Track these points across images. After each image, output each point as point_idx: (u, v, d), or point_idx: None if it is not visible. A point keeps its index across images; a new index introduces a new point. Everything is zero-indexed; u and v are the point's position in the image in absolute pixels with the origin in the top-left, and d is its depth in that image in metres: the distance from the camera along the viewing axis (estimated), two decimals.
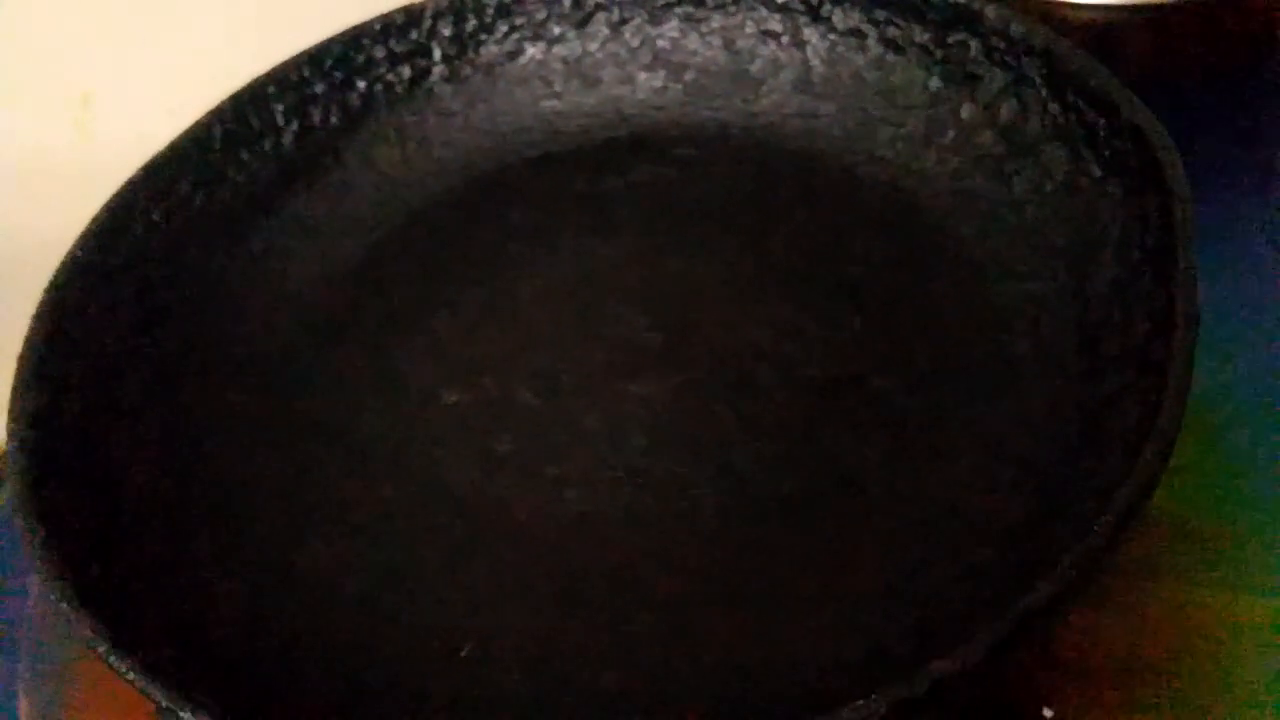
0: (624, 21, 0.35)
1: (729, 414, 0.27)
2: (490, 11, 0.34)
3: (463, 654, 0.23)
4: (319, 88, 0.33)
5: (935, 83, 0.31)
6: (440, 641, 0.23)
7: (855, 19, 0.32)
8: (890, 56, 0.32)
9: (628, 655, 0.23)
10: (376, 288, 0.32)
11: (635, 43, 0.35)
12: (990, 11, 0.30)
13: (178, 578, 0.24)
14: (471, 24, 0.34)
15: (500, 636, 0.23)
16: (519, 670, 0.23)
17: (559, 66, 0.35)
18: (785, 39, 0.33)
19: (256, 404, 0.29)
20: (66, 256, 0.27)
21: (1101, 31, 0.39)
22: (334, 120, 0.33)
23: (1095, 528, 0.18)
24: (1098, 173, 0.27)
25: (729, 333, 0.29)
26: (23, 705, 0.28)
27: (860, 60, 0.32)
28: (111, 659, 0.19)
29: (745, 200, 0.33)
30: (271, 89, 0.32)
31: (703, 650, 0.23)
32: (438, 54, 0.34)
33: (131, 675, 0.19)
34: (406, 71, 0.34)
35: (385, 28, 0.34)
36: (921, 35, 0.31)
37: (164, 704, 0.18)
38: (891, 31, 0.32)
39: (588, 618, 0.24)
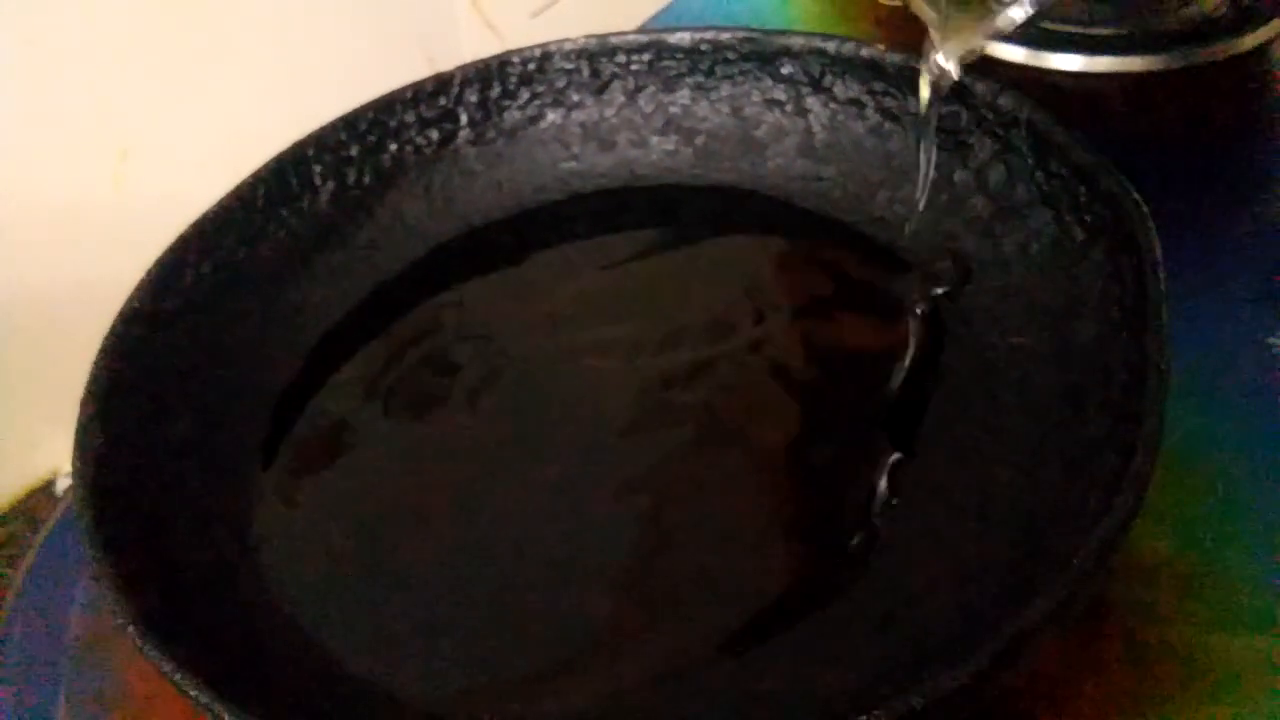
0: (639, 89, 0.37)
1: (740, 462, 0.29)
2: (514, 79, 0.37)
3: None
4: (354, 150, 0.35)
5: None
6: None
7: (855, 90, 0.35)
8: (888, 125, 0.34)
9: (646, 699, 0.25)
10: (402, 336, 0.34)
11: (649, 109, 0.37)
12: (980, 85, 0.32)
13: (225, 606, 0.26)
14: (496, 90, 0.37)
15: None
16: None
17: (577, 130, 0.37)
18: (789, 107, 0.36)
19: (294, 440, 0.31)
20: (125, 306, 0.29)
21: (1087, 97, 0.41)
22: (367, 180, 0.36)
23: (1075, 561, 0.20)
24: (1080, 236, 0.29)
25: (737, 381, 0.31)
26: None
27: (860, 128, 0.35)
28: (178, 678, 0.21)
29: (751, 258, 0.35)
30: (311, 151, 0.35)
31: (716, 676, 0.24)
32: (464, 118, 0.37)
33: (199, 695, 0.20)
34: (435, 134, 0.36)
35: (416, 94, 0.36)
36: (917, 106, 0.33)
37: None
38: (889, 102, 0.34)
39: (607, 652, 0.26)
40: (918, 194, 0.30)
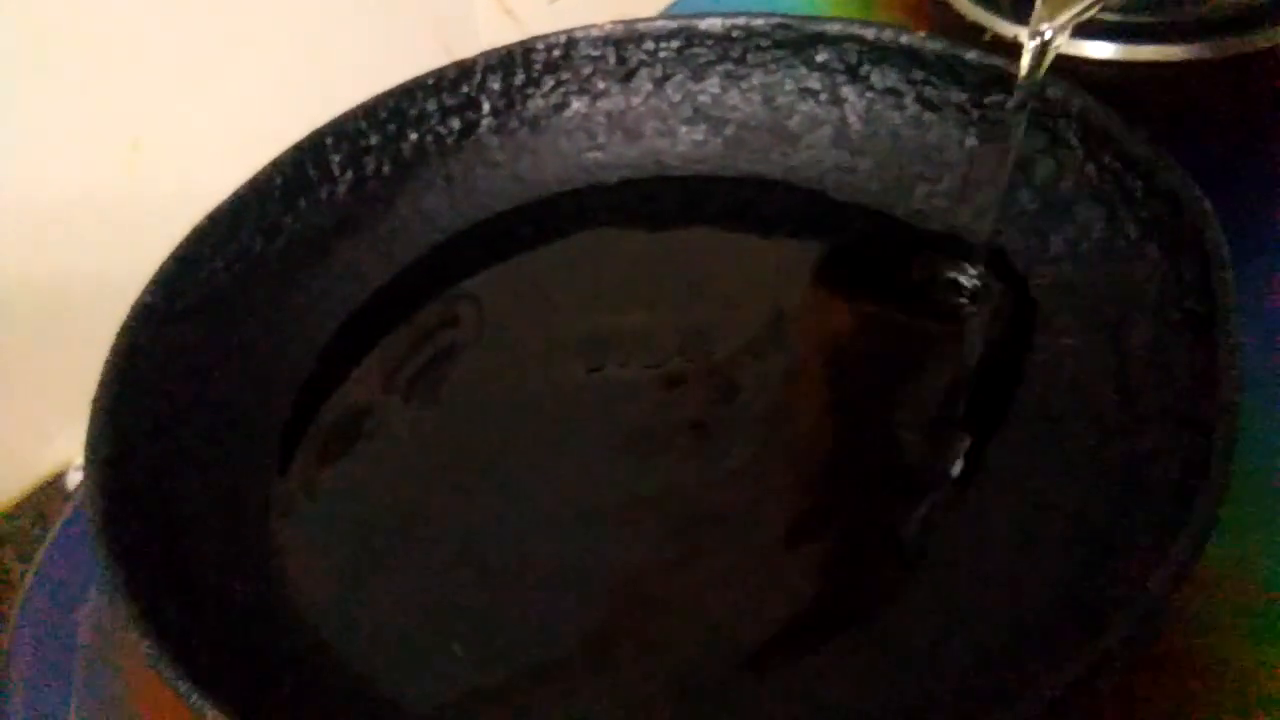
0: (666, 77, 0.36)
1: (770, 466, 0.28)
2: (538, 67, 0.36)
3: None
4: (373, 139, 0.34)
5: (971, 141, 0.32)
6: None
7: (893, 78, 0.33)
8: (927, 115, 0.33)
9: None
10: (420, 328, 0.33)
11: (677, 98, 0.36)
12: None
13: (241, 612, 0.25)
14: (520, 78, 0.36)
15: None
16: None
17: (603, 120, 0.36)
18: (824, 96, 0.34)
19: (312, 435, 0.30)
20: (137, 302, 0.28)
21: (1121, 86, 0.40)
22: (386, 170, 0.34)
23: (1150, 583, 0.19)
24: (1134, 233, 0.27)
25: (770, 381, 0.30)
26: None
27: (897, 118, 0.33)
28: (192, 697, 0.20)
29: (781, 252, 0.34)
30: (329, 140, 0.33)
31: (741, 693, 0.23)
32: (486, 107, 0.35)
33: (210, 712, 0.19)
34: (456, 123, 0.35)
35: (438, 81, 0.35)
36: (958, 95, 0.32)
37: None
38: (928, 91, 0.33)
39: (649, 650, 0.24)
40: (1002, 176, 0.29)
